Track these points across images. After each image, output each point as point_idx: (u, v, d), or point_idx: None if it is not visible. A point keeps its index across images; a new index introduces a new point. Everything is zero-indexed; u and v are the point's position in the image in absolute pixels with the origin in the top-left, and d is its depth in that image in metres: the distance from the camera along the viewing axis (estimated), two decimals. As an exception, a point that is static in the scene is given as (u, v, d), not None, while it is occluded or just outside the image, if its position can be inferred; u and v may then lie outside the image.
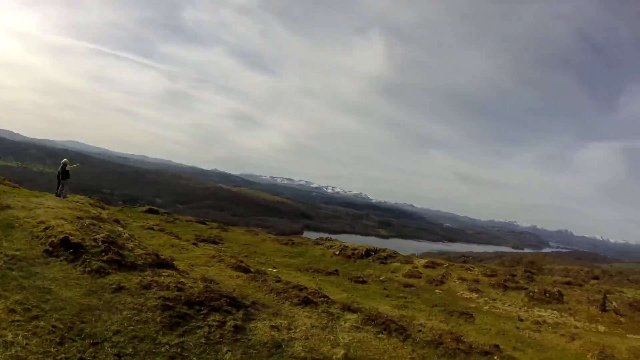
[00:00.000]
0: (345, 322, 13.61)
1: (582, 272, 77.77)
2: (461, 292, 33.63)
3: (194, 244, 28.80)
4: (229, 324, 10.94)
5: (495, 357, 15.39)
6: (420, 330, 15.74)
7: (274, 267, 29.81)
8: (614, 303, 36.07)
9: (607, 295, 36.84)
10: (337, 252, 41.04)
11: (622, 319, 33.19)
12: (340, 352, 10.86)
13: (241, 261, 21.47)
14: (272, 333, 11.15)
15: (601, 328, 30.17)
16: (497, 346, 17.09)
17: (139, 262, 13.69)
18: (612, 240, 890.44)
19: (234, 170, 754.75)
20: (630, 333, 30.15)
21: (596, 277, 71.80)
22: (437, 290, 32.86)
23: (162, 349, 9.01)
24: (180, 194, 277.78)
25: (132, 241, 16.00)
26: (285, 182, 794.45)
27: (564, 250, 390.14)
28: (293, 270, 30.04)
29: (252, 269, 20.10)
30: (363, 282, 30.84)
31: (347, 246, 43.18)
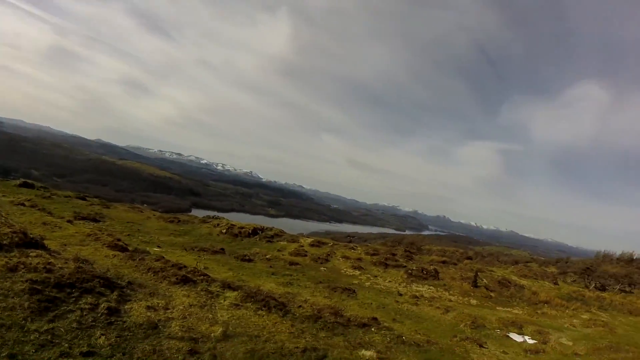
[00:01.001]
0: (224, 300, 13.46)
1: (457, 253, 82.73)
2: (345, 269, 34.56)
3: (69, 221, 27.10)
4: (102, 306, 10.36)
5: (373, 329, 15.99)
6: (300, 306, 15.97)
7: (159, 247, 28.98)
8: (485, 280, 38.85)
9: (478, 273, 39.59)
10: (224, 231, 40.64)
11: (492, 294, 35.84)
12: (219, 330, 10.73)
13: (119, 239, 20.52)
14: (149, 314, 10.74)
15: (473, 302, 32.42)
16: (375, 319, 17.77)
17: (4, 242, 12.61)
18: (485, 227, 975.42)
19: (120, 142, 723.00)
20: (499, 306, 32.73)
21: (469, 258, 76.56)
22: (322, 268, 33.51)
23: (32, 337, 8.37)
24: (60, 166, 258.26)
25: (-3, 218, 14.80)
26: (174, 156, 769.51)
27: (442, 234, 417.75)
28: (178, 249, 29.35)
29: (130, 248, 19.33)
30: (249, 260, 30.77)
31: (234, 225, 42.84)
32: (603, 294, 48.04)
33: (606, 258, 74.88)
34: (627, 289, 57.46)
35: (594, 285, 56.00)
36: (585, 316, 34.19)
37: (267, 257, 33.54)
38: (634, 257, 74.94)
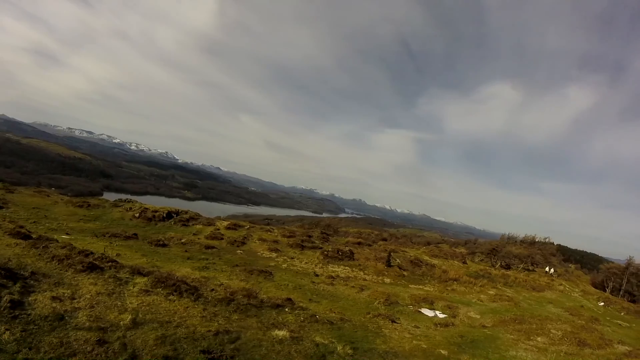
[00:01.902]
0: (134, 287, 13.21)
1: (372, 234, 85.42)
2: (261, 252, 34.68)
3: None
4: (4, 299, 9.90)
5: (287, 309, 16.26)
6: (213, 290, 15.99)
7: (67, 234, 27.89)
8: (398, 260, 40.20)
9: (391, 253, 40.99)
10: (137, 215, 39.61)
11: (405, 273, 37.17)
12: (128, 318, 10.54)
13: (22, 226, 19.60)
14: (54, 305, 10.38)
15: (387, 280, 33.53)
16: (289, 299, 18.07)
17: None
18: (399, 210, 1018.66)
19: (25, 118, 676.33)
20: (412, 284, 34.06)
21: (384, 239, 79.46)
22: (239, 251, 33.47)
23: None
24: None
25: None
26: (85, 135, 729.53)
27: (358, 216, 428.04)
28: (88, 236, 28.38)
29: (34, 235, 18.43)
30: (164, 245, 30.24)
31: (147, 208, 41.82)
32: (508, 272, 51.25)
33: (510, 240, 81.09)
34: (530, 267, 61.89)
35: (499, 264, 59.78)
36: (492, 292, 36.26)
37: (183, 241, 33.08)
38: (536, 240, 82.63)
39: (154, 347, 9.63)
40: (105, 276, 13.43)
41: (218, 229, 39.76)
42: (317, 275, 29.99)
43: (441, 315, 25.17)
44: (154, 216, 39.98)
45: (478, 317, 26.33)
